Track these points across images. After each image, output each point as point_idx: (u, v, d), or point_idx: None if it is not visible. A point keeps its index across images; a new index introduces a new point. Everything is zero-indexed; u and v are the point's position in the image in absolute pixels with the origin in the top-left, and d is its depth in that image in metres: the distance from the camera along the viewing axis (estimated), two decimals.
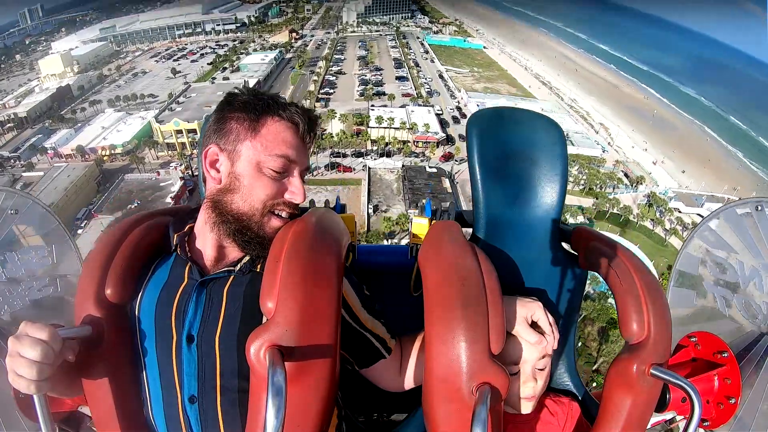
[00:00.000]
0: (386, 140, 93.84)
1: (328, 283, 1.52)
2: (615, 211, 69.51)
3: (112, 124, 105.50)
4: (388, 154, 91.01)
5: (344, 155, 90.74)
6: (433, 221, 2.12)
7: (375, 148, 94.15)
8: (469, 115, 2.33)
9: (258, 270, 1.74)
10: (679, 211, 69.09)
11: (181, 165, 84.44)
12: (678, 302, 2.36)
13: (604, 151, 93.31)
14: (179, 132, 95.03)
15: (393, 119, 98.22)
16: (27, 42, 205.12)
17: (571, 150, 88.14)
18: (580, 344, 46.43)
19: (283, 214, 1.78)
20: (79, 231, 66.56)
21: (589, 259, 1.90)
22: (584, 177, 78.33)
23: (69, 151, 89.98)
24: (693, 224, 63.47)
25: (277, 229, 1.74)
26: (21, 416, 1.86)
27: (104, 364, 1.61)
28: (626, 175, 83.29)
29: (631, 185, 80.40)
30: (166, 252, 1.85)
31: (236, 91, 1.82)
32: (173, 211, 2.02)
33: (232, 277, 1.74)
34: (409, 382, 1.99)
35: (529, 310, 1.74)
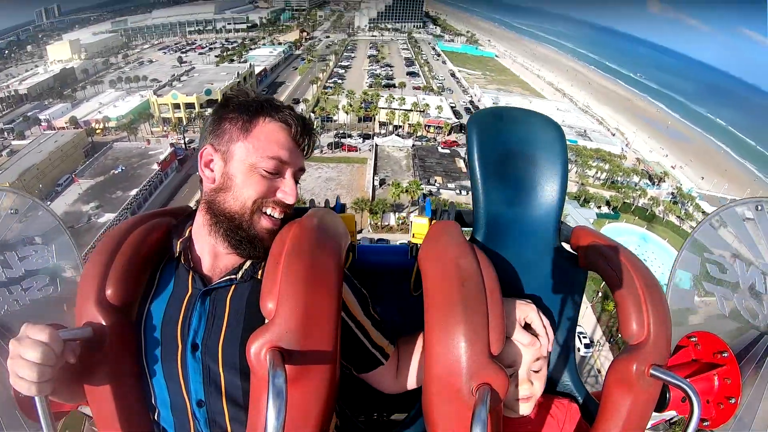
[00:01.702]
0: (396, 123, 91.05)
1: (328, 283, 1.53)
2: (640, 204, 68.43)
3: (110, 101, 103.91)
4: (398, 136, 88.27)
5: (350, 136, 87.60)
6: (433, 221, 2.12)
7: (383, 131, 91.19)
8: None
9: (259, 277, 1.75)
10: (704, 212, 67.50)
11: (174, 136, 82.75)
12: (678, 302, 2.36)
13: (623, 150, 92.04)
14: (177, 107, 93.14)
15: (404, 99, 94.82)
16: (40, 36, 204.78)
17: (590, 144, 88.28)
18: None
19: (275, 214, 1.79)
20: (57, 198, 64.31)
21: (588, 259, 1.90)
22: (606, 169, 76.77)
23: (63, 123, 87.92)
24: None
25: (268, 229, 1.77)
26: (22, 417, 1.88)
27: (105, 364, 1.61)
28: (647, 173, 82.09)
29: (653, 183, 78.86)
30: (168, 255, 1.87)
31: (233, 94, 1.83)
32: (174, 211, 2.03)
33: (234, 286, 1.76)
34: (407, 384, 1.99)
35: (522, 312, 1.74)
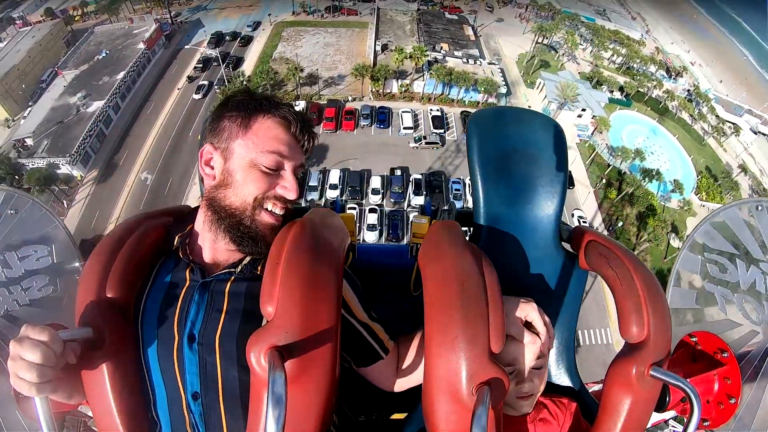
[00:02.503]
0: None
1: (328, 285, 1.53)
2: (654, 96, 64.88)
3: None
4: None
5: None
6: (433, 221, 2.14)
7: None
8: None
9: (259, 272, 1.76)
10: (718, 116, 64.17)
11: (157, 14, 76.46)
12: (678, 302, 2.35)
13: (642, 36, 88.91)
14: None
15: None
16: None
17: (608, 25, 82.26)
18: (620, 224, 45.10)
19: (276, 210, 1.80)
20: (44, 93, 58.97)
21: (589, 258, 1.90)
22: (623, 54, 71.76)
23: (38, 18, 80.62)
24: (734, 130, 62.27)
25: (269, 225, 1.78)
26: (22, 417, 1.90)
27: (106, 365, 1.61)
28: (665, 65, 79.38)
29: (670, 76, 74.42)
30: (168, 253, 1.87)
31: (233, 93, 1.84)
32: (173, 211, 2.03)
33: (232, 278, 1.76)
34: (407, 382, 2.01)
35: (523, 310, 1.74)
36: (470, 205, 2.19)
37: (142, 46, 63.77)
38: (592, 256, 1.88)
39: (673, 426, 2.24)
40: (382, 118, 50.20)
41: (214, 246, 1.81)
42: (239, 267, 1.78)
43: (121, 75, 57.50)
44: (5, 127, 52.72)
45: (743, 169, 55.64)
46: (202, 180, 1.88)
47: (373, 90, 53.07)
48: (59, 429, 1.67)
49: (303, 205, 2.17)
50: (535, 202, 2.01)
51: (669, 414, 2.04)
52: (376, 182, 42.18)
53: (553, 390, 2.06)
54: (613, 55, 71.79)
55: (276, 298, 1.43)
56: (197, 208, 1.92)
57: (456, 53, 60.76)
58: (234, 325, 1.66)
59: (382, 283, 2.22)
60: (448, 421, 1.51)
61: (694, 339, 2.12)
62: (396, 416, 2.79)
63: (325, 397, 1.50)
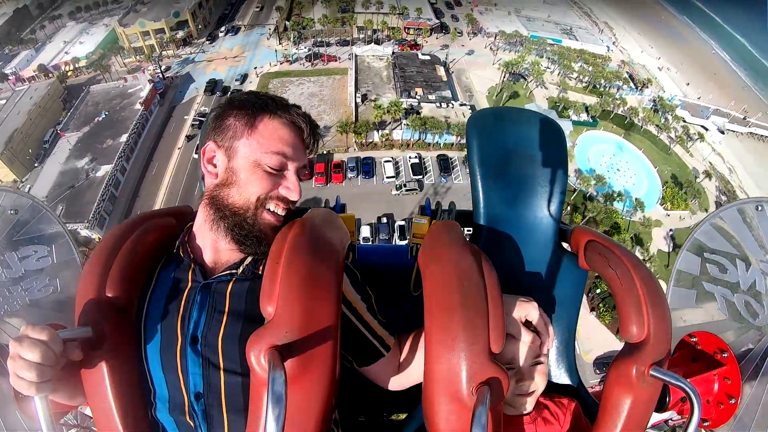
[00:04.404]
0: (374, 26, 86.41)
1: (328, 284, 1.53)
2: (620, 112, 66.04)
3: (74, 37, 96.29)
4: (377, 42, 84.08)
5: (328, 44, 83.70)
6: (433, 221, 2.14)
7: (362, 35, 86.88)
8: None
9: (260, 272, 1.74)
10: (684, 121, 66.30)
11: (149, 68, 78.13)
12: (678, 302, 2.36)
13: (609, 50, 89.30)
14: (146, 34, 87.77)
15: (382, 2, 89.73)
16: None
17: (574, 45, 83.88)
18: None
19: (278, 211, 1.81)
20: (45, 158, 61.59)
21: (588, 258, 1.91)
22: (589, 72, 73.68)
23: (31, 72, 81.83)
24: (699, 135, 64.17)
25: (271, 225, 1.79)
26: (22, 417, 1.89)
27: (106, 364, 1.61)
28: (631, 77, 79.57)
29: (637, 88, 76.01)
30: (168, 253, 1.87)
31: (237, 92, 1.84)
32: (173, 211, 2.04)
33: (234, 280, 1.76)
34: (408, 381, 2.00)
35: (523, 309, 1.74)
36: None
37: (139, 107, 65.24)
38: (592, 256, 1.88)
39: (673, 420, 2.25)
40: (367, 168, 53.59)
41: (215, 246, 1.81)
42: (240, 268, 1.78)
43: (124, 138, 59.19)
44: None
45: (707, 174, 57.29)
46: (203, 177, 1.87)
47: (357, 141, 56.79)
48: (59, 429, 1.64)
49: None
50: (535, 202, 2.01)
51: (669, 414, 2.04)
52: (365, 231, 44.77)
53: (553, 390, 2.06)
54: (579, 75, 73.61)
55: (276, 297, 1.43)
56: (197, 210, 1.92)
57: (430, 97, 63.66)
58: (236, 326, 1.66)
59: (382, 283, 2.20)
60: (448, 421, 1.52)
61: (694, 339, 2.13)
62: (396, 416, 2.78)
63: (325, 396, 1.50)
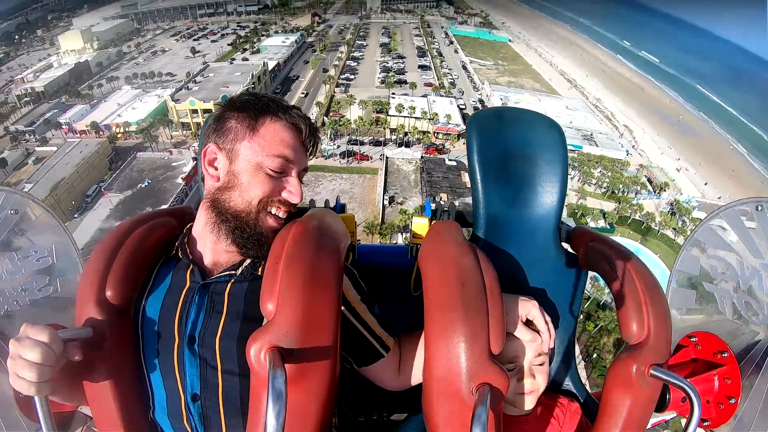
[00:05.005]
0: (406, 129, 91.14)
1: (328, 284, 1.53)
2: (637, 217, 67.56)
3: (128, 101, 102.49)
4: (407, 144, 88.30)
5: (362, 143, 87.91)
6: (433, 221, 2.14)
7: (394, 137, 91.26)
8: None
9: (259, 274, 1.76)
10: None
11: (194, 145, 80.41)
12: (678, 302, 2.35)
13: (628, 154, 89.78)
14: (194, 112, 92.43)
15: (414, 108, 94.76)
16: (49, 18, 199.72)
17: (595, 151, 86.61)
18: (595, 356, 46.87)
19: (280, 214, 1.81)
20: (87, 212, 65.01)
21: (589, 259, 1.91)
22: (607, 179, 75.83)
23: (83, 126, 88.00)
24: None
25: (273, 228, 1.78)
26: (22, 417, 1.88)
27: (106, 365, 1.62)
28: (650, 180, 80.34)
29: (655, 191, 77.55)
30: (167, 254, 1.88)
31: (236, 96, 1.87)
32: (174, 211, 2.05)
33: (232, 281, 1.76)
34: (408, 381, 1.99)
35: (524, 308, 1.74)
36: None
37: (180, 181, 68.46)
38: (593, 256, 1.88)
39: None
40: None
41: (215, 247, 1.81)
42: (240, 269, 1.78)
43: (163, 208, 59.83)
44: None
45: (736, 255, 57.33)
46: (202, 179, 1.89)
47: (381, 242, 58.76)
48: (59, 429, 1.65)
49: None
50: (535, 203, 2.00)
51: (669, 414, 2.02)
52: None
53: (553, 390, 2.06)
54: (597, 181, 75.28)
55: (276, 296, 1.43)
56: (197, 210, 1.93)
57: (455, 203, 64.71)
58: (234, 326, 1.66)
59: (382, 284, 2.21)
60: (448, 421, 1.52)
61: (694, 339, 2.12)
62: (396, 416, 2.76)
63: (325, 397, 1.50)
